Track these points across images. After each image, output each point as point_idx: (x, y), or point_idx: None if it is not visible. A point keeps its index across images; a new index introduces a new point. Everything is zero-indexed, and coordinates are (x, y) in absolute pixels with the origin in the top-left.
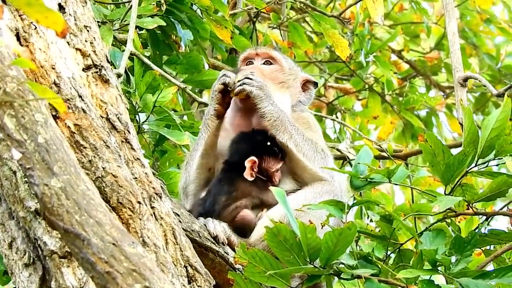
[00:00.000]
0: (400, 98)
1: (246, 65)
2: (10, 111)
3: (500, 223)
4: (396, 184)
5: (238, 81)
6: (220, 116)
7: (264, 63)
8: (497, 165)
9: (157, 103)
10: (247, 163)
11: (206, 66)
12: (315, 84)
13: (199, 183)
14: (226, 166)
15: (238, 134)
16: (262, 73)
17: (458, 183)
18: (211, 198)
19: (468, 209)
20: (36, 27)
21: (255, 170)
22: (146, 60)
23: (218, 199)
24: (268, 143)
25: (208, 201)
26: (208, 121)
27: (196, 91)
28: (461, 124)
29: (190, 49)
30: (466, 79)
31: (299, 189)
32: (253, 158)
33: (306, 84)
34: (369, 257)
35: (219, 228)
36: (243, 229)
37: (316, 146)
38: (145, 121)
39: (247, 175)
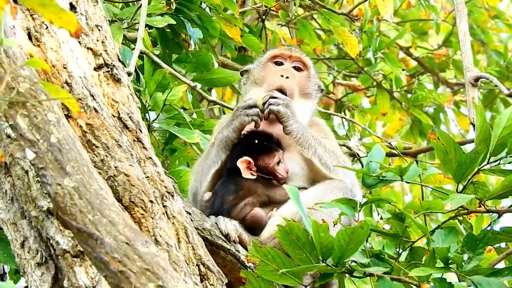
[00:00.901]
0: (409, 95)
1: (275, 64)
2: (22, 111)
3: (507, 220)
4: (408, 182)
5: (264, 103)
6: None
7: (294, 67)
8: (509, 163)
9: (167, 101)
10: (240, 164)
11: (216, 65)
12: (322, 90)
13: (211, 186)
14: (229, 170)
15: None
16: (293, 78)
17: (470, 181)
18: (219, 198)
19: (479, 206)
20: (47, 27)
21: (253, 169)
22: (156, 58)
23: (226, 198)
24: (256, 141)
25: (216, 202)
26: (227, 142)
27: (206, 89)
28: (472, 124)
29: (200, 47)
30: (477, 79)
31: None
32: (244, 158)
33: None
34: (381, 255)
35: (230, 226)
36: (254, 227)
37: (336, 156)
38: (155, 119)
39: (246, 174)
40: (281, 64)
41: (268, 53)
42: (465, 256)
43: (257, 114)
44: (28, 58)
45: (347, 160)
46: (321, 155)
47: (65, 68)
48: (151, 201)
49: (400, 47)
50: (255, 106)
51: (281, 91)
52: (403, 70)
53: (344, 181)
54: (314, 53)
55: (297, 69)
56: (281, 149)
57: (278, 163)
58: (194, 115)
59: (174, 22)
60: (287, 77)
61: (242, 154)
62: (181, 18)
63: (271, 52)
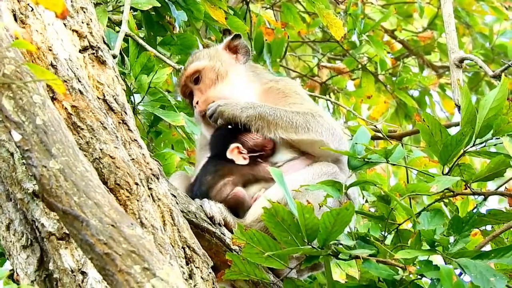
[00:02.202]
0: (394, 78)
1: (189, 96)
2: (8, 92)
3: (491, 203)
4: (394, 164)
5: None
6: None
7: (194, 81)
8: (494, 145)
9: (152, 84)
10: (230, 154)
11: (200, 47)
12: (237, 37)
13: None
14: (209, 158)
15: (211, 136)
16: (204, 91)
17: (456, 163)
18: (197, 181)
19: (465, 189)
20: (32, 9)
21: (243, 152)
22: (140, 41)
23: (204, 180)
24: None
25: (195, 185)
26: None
27: None
28: (457, 106)
29: (184, 30)
30: (462, 60)
31: (298, 157)
32: (233, 146)
33: (231, 47)
34: (367, 238)
35: (215, 209)
36: (236, 208)
37: (304, 115)
38: (140, 102)
39: (240, 161)
40: (190, 92)
41: (180, 95)
42: (451, 239)
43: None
44: (13, 40)
45: (317, 111)
46: (287, 124)
47: (50, 50)
48: (137, 184)
49: (385, 30)
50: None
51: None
52: (388, 53)
53: (324, 136)
54: (299, 36)
55: (196, 82)
56: None
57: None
58: (179, 98)
59: (159, 5)
60: (196, 102)
61: (225, 141)
62: (166, 0)
63: (177, 93)
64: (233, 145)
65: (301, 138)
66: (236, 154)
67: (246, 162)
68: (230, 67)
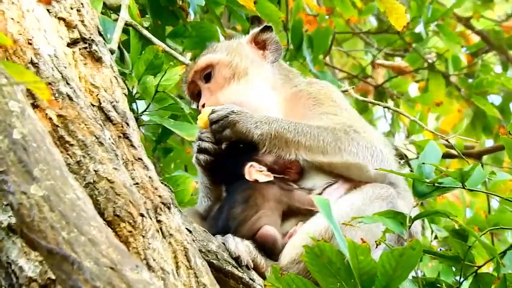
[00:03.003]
0: (470, 80)
1: (196, 96)
2: None
3: None
4: (471, 190)
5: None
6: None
7: (205, 78)
8: None
9: (160, 87)
10: (248, 173)
11: (222, 39)
12: (267, 29)
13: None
14: (228, 181)
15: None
16: (214, 92)
17: None
18: (224, 213)
19: None
20: None
21: (262, 170)
22: (145, 32)
23: (232, 212)
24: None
25: (221, 219)
26: (209, 189)
27: None
28: None
29: (201, 17)
30: None
31: (337, 181)
32: (248, 164)
33: (258, 42)
34: (437, 284)
35: (242, 247)
36: (265, 249)
37: (334, 132)
38: (145, 110)
39: (261, 178)
40: (198, 89)
41: (185, 92)
42: None
43: (209, 151)
44: None
45: (359, 126)
46: (312, 143)
47: (30, 44)
48: (142, 215)
49: (458, 18)
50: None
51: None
52: (463, 47)
53: (361, 158)
54: (348, 25)
55: (208, 78)
56: None
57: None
58: (194, 105)
59: None
60: (203, 105)
61: (239, 161)
62: None
63: (184, 89)
64: (247, 166)
65: (330, 161)
66: (254, 172)
67: (270, 178)
68: (253, 65)
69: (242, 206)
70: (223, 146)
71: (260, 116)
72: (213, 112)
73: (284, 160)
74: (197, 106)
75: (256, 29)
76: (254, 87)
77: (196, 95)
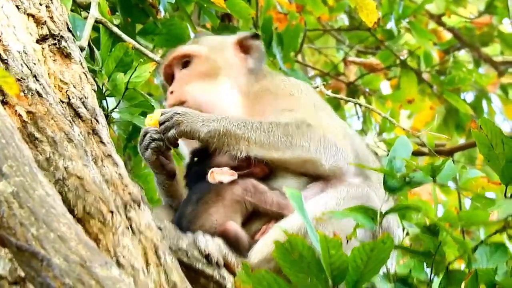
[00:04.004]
0: (442, 77)
1: (170, 80)
2: None
3: None
4: (443, 186)
5: (154, 139)
6: (172, 175)
7: (183, 66)
8: None
9: (130, 84)
10: (212, 178)
11: (192, 37)
12: (255, 36)
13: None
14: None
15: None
16: (184, 83)
17: None
18: (178, 211)
19: None
20: None
21: (224, 171)
22: (115, 29)
23: (184, 211)
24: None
25: (175, 216)
26: (163, 188)
27: None
28: None
29: (171, 15)
30: None
31: (307, 186)
32: (209, 171)
33: (243, 46)
34: (408, 280)
35: (213, 245)
36: (229, 245)
37: (286, 126)
38: (115, 107)
39: (226, 178)
40: (172, 76)
41: (160, 74)
42: None
43: (157, 145)
44: None
45: (313, 117)
46: (262, 139)
47: None
48: (111, 212)
49: (430, 15)
50: (148, 133)
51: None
52: (435, 44)
53: (313, 152)
54: (319, 22)
55: (185, 66)
56: None
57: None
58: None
59: None
60: (171, 92)
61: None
62: None
63: (160, 71)
64: (208, 173)
65: (283, 157)
66: (216, 175)
67: (235, 176)
68: (229, 67)
69: (193, 205)
70: (189, 155)
71: (208, 115)
72: (162, 114)
73: (241, 158)
74: (164, 86)
75: (245, 33)
76: (221, 89)
77: (170, 78)
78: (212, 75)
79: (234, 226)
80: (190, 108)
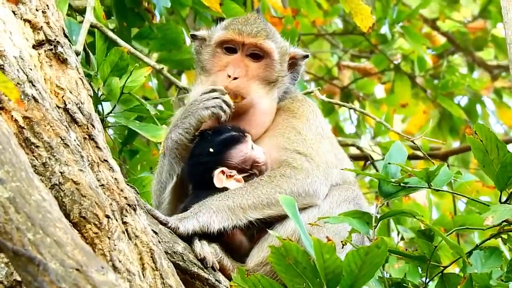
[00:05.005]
0: (436, 81)
1: (226, 50)
2: None
3: None
4: (437, 191)
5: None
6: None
7: (250, 55)
8: None
9: (125, 89)
10: (219, 181)
11: (188, 41)
12: (306, 57)
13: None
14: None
15: (188, 162)
16: (245, 75)
17: None
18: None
19: None
20: None
21: (232, 174)
22: (110, 33)
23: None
24: (211, 149)
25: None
26: (178, 150)
27: (175, 72)
28: None
29: (167, 19)
30: None
31: None
32: (218, 170)
33: (292, 62)
34: (404, 284)
35: (208, 249)
36: (231, 251)
37: (269, 178)
38: (110, 112)
39: (232, 185)
40: (233, 51)
41: (217, 35)
42: (511, 284)
43: (220, 105)
44: None
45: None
46: (254, 200)
47: None
48: (107, 216)
49: (424, 19)
50: (215, 91)
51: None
52: (428, 48)
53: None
54: (314, 26)
55: (254, 56)
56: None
57: (252, 147)
58: (160, 107)
59: None
60: (235, 78)
61: (207, 167)
62: None
63: (220, 34)
64: (217, 171)
65: (279, 213)
66: (225, 179)
67: (241, 184)
68: (281, 80)
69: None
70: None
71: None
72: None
73: (250, 154)
74: (210, 51)
75: (299, 50)
76: (271, 102)
77: (228, 49)
78: (271, 84)
79: (237, 234)
80: (243, 106)
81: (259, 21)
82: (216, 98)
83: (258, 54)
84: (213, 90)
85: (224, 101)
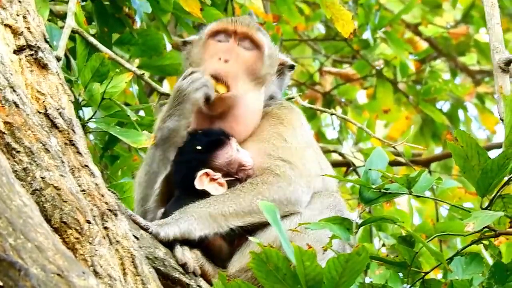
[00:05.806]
0: (418, 87)
1: (218, 41)
2: None
3: None
4: (418, 197)
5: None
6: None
7: (242, 46)
8: None
9: (106, 94)
10: (199, 182)
11: (169, 47)
12: (291, 67)
13: (161, 200)
14: (180, 183)
15: (173, 162)
16: (236, 61)
17: (498, 194)
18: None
19: (510, 227)
20: None
21: (216, 177)
22: (91, 39)
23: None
24: (199, 147)
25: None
26: (175, 136)
27: (156, 78)
28: (502, 120)
29: (148, 25)
30: (508, 63)
31: None
32: (201, 172)
33: (281, 65)
34: None
35: (189, 254)
36: (211, 256)
37: (251, 185)
38: (91, 117)
39: (215, 190)
40: (225, 41)
41: (209, 27)
42: None
43: (206, 84)
44: None
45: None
46: (235, 207)
47: None
48: (88, 222)
49: (406, 25)
50: (195, 72)
51: (216, 78)
52: (411, 54)
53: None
54: (296, 32)
55: (245, 47)
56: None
57: (237, 149)
58: (142, 112)
59: None
60: (226, 60)
61: (191, 168)
62: None
63: (212, 25)
64: (200, 173)
65: (260, 220)
66: (208, 182)
67: (224, 189)
68: (269, 81)
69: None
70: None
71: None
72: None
73: (236, 157)
74: (202, 40)
75: (287, 59)
76: (258, 101)
77: (221, 40)
78: (258, 80)
79: (218, 240)
80: (226, 96)
81: (251, 20)
82: (200, 78)
83: (249, 46)
84: (193, 72)
85: (208, 81)
